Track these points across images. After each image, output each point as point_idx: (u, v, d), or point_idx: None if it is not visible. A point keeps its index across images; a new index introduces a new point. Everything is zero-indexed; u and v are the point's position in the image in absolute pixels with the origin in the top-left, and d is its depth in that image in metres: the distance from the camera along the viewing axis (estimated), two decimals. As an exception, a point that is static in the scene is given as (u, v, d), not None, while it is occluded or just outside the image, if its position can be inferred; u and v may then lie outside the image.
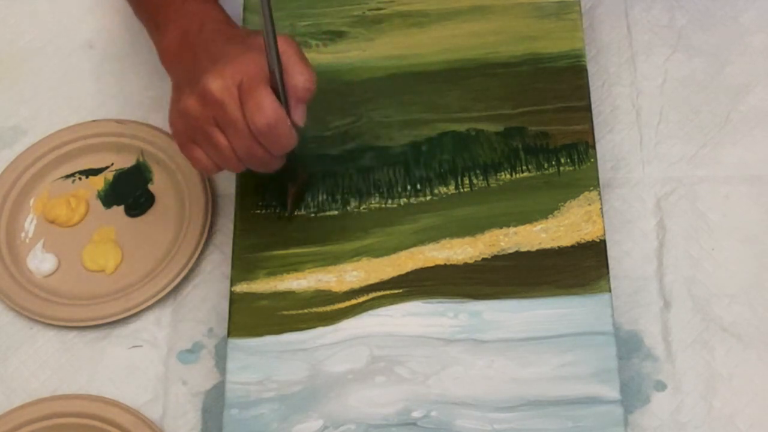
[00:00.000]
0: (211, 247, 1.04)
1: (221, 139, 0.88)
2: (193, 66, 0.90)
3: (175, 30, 0.94)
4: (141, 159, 1.08)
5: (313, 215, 1.00)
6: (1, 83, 1.14)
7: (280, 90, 0.88)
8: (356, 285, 0.97)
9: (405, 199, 1.00)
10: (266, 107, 0.86)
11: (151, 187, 1.07)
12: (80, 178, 1.08)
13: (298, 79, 0.89)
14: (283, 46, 0.88)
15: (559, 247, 0.97)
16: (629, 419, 0.94)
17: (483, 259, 0.97)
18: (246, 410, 0.93)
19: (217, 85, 0.87)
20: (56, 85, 1.13)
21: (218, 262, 1.03)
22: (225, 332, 0.96)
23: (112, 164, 1.08)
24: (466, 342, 0.94)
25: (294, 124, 0.89)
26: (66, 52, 1.15)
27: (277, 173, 0.94)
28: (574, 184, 0.99)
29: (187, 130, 0.90)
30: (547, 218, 0.98)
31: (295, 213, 1.00)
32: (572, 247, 0.97)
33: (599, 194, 0.99)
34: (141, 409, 0.97)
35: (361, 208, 1.00)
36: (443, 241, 0.98)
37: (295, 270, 0.97)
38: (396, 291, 0.96)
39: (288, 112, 0.89)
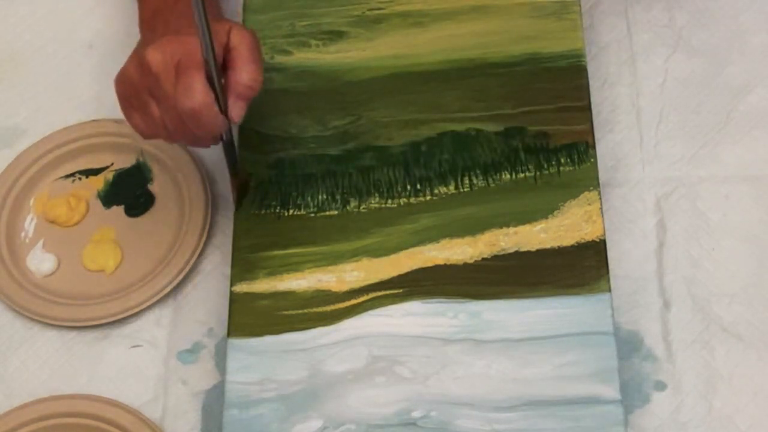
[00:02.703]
0: (211, 247, 1.04)
1: (154, 109, 0.90)
2: (152, 33, 0.92)
3: (153, 2, 0.97)
4: (141, 159, 1.08)
5: (313, 215, 1.00)
6: (1, 83, 1.14)
7: (214, 79, 0.89)
8: (356, 285, 0.97)
9: (405, 199, 1.00)
10: (195, 91, 0.88)
11: (151, 187, 1.07)
12: (80, 178, 1.08)
13: (243, 76, 0.90)
14: (238, 40, 0.90)
15: (559, 247, 0.97)
16: (629, 419, 0.94)
17: (483, 259, 0.97)
18: (246, 410, 0.93)
19: (156, 57, 0.89)
20: (56, 85, 1.13)
21: (218, 262, 1.03)
22: (225, 332, 0.96)
23: (112, 164, 1.08)
24: (466, 342, 0.94)
25: (229, 119, 0.91)
26: (66, 52, 1.15)
27: (227, 161, 0.98)
28: (574, 184, 0.99)
29: (126, 94, 0.92)
30: (547, 218, 0.98)
31: (295, 213, 1.00)
32: (572, 247, 0.97)
33: (599, 194, 0.98)
34: (141, 409, 0.97)
35: (361, 208, 1.00)
36: (443, 241, 0.98)
37: (295, 270, 0.97)
38: (396, 291, 0.96)
39: (226, 105, 0.90)
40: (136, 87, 0.90)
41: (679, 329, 0.98)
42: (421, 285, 0.96)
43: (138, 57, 0.90)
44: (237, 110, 0.91)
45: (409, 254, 0.98)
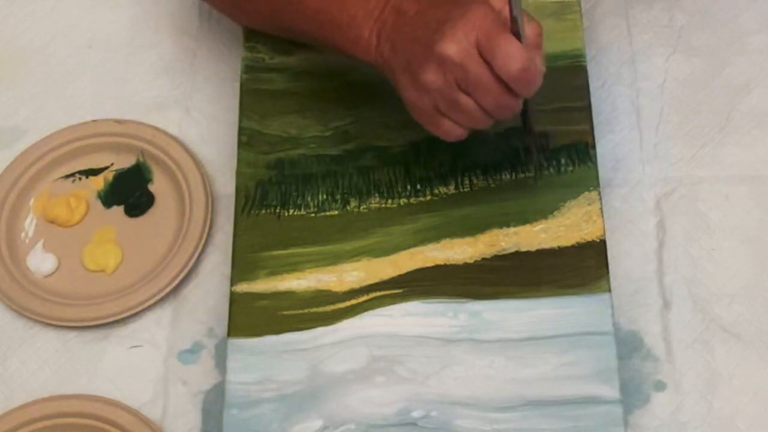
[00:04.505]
0: (211, 247, 1.04)
1: (467, 101, 0.89)
2: (415, 43, 0.90)
3: (371, 21, 0.94)
4: (141, 159, 1.08)
5: (313, 215, 1.00)
6: (1, 83, 1.14)
7: (522, 37, 0.89)
8: (356, 285, 0.97)
9: (405, 199, 1.00)
10: (516, 52, 0.87)
11: (151, 187, 1.07)
12: (80, 178, 1.08)
13: (528, 28, 0.90)
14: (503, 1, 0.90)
15: (559, 247, 0.97)
16: (629, 419, 0.94)
17: (483, 259, 0.97)
18: (246, 410, 0.93)
19: (453, 48, 0.87)
20: (56, 85, 1.13)
21: (218, 262, 1.03)
22: (225, 332, 0.96)
23: (112, 164, 1.08)
24: (466, 342, 0.94)
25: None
26: (66, 52, 1.15)
27: (524, 119, 0.97)
28: (574, 184, 0.99)
29: (431, 105, 0.90)
30: (547, 218, 0.98)
31: (295, 213, 1.00)
32: (572, 247, 0.97)
33: (599, 194, 0.99)
34: (141, 409, 0.97)
35: (361, 208, 1.00)
36: (443, 241, 0.98)
37: (295, 270, 0.97)
38: (396, 291, 0.96)
39: None
40: (441, 91, 0.89)
41: (679, 329, 0.98)
42: (421, 285, 0.96)
43: (431, 61, 0.88)
44: (540, 59, 0.90)
45: (409, 254, 0.98)
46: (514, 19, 0.88)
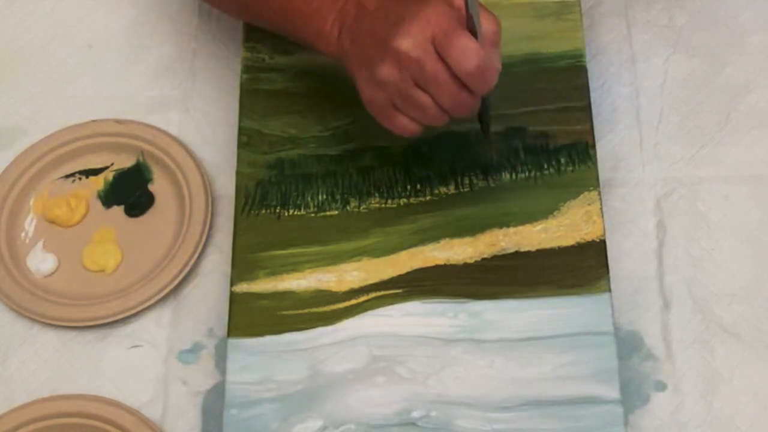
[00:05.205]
0: (211, 247, 1.04)
1: (424, 97, 0.89)
2: (373, 37, 0.90)
3: (334, 13, 0.94)
4: (141, 159, 1.08)
5: (313, 215, 1.00)
6: (1, 83, 1.14)
7: (478, 34, 0.88)
8: (356, 285, 0.97)
9: (405, 199, 1.00)
10: (472, 49, 0.87)
11: (151, 187, 1.07)
12: (80, 178, 1.08)
13: (486, 24, 0.89)
14: None
15: (559, 247, 0.97)
16: (629, 419, 0.94)
17: (483, 259, 0.97)
18: (246, 410, 0.93)
19: (408, 44, 0.87)
20: (56, 85, 1.13)
21: (218, 262, 1.03)
22: (225, 332, 0.96)
23: (112, 164, 1.08)
24: (466, 342, 0.94)
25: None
26: (66, 52, 1.15)
27: (481, 119, 0.96)
28: (574, 184, 0.99)
29: (387, 100, 0.90)
30: (547, 218, 0.98)
31: (295, 213, 1.00)
32: (572, 247, 0.97)
33: (599, 194, 0.99)
34: (141, 409, 0.97)
35: (361, 208, 1.00)
36: (443, 241, 0.98)
37: (295, 270, 0.97)
38: (396, 291, 0.96)
39: None
40: (397, 86, 0.89)
41: (679, 329, 0.98)
42: (421, 285, 0.96)
43: (387, 56, 0.88)
44: (496, 57, 0.90)
45: (409, 254, 0.98)
46: (469, 16, 0.88)
